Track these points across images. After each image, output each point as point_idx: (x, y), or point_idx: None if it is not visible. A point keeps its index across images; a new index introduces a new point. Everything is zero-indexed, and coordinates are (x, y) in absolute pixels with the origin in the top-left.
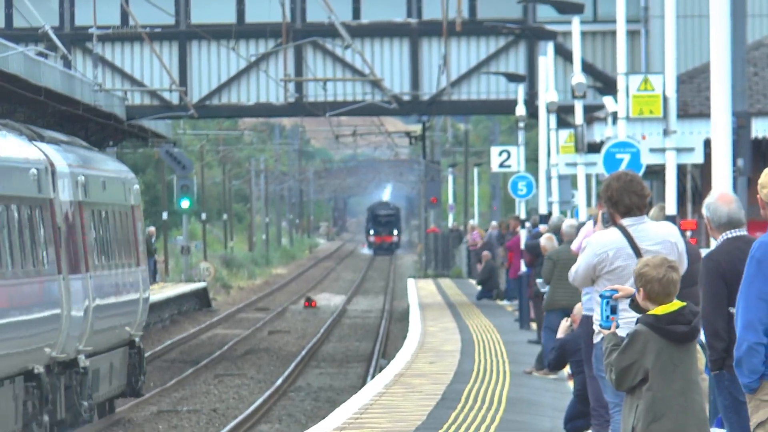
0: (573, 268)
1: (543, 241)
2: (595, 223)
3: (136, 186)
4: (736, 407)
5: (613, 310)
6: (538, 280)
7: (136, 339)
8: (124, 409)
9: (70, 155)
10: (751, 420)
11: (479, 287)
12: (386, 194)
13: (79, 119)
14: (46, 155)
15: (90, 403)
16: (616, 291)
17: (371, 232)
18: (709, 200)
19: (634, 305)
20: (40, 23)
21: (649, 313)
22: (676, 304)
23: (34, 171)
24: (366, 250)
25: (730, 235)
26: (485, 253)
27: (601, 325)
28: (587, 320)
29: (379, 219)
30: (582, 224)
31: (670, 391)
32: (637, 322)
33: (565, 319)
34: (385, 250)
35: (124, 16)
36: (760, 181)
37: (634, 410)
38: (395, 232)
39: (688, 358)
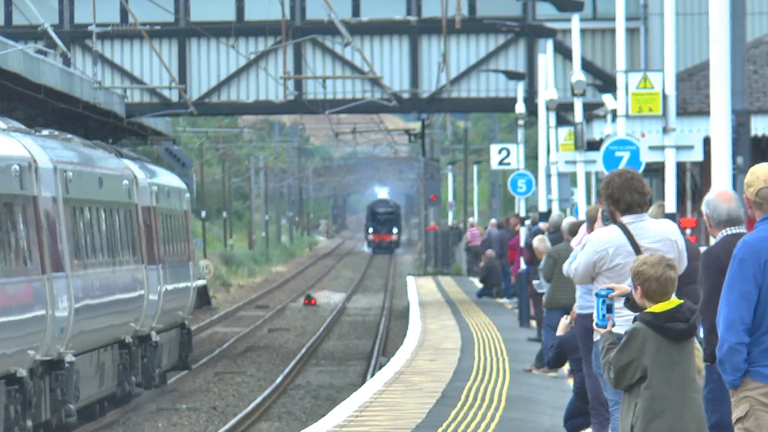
0: (567, 263)
1: (536, 243)
2: (589, 224)
3: (187, 195)
4: (721, 399)
5: (609, 309)
6: (535, 282)
7: (186, 321)
8: (123, 406)
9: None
10: (733, 414)
11: (481, 284)
12: (381, 194)
13: (79, 117)
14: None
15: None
16: (612, 290)
17: (370, 230)
18: (708, 197)
19: (630, 304)
20: (39, 21)
21: (647, 310)
22: (674, 302)
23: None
24: (365, 249)
25: (729, 232)
26: (488, 251)
27: (597, 324)
28: (583, 318)
29: (379, 217)
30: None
31: (668, 388)
32: (634, 320)
33: (565, 316)
34: (385, 249)
35: (124, 13)
36: (746, 180)
37: (633, 408)
38: (395, 230)
39: (686, 355)
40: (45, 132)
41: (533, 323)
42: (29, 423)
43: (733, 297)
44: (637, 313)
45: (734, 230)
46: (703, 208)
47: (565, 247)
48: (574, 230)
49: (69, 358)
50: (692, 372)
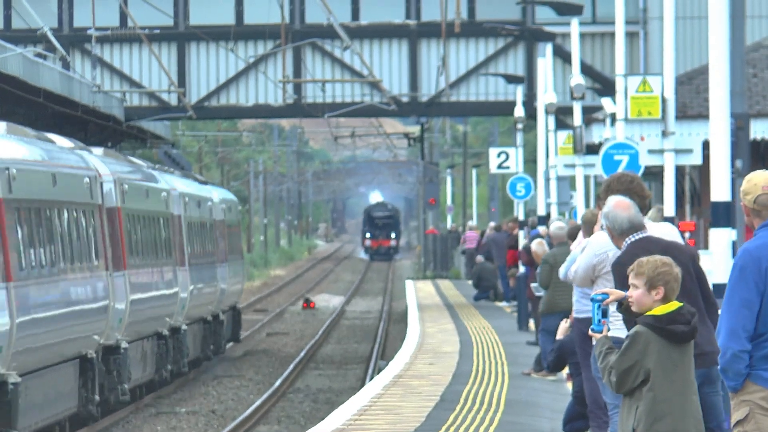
0: (563, 267)
1: (534, 246)
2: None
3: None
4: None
5: (605, 314)
6: (534, 285)
7: (237, 305)
8: (124, 409)
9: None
10: (732, 417)
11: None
12: (375, 197)
13: (78, 120)
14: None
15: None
16: (608, 295)
17: (367, 235)
18: (606, 210)
19: (623, 309)
20: (38, 24)
21: (649, 313)
22: (674, 304)
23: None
24: (362, 255)
25: (634, 238)
26: (478, 257)
27: (593, 329)
28: (580, 322)
29: (376, 221)
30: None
31: (670, 391)
32: (634, 324)
33: (565, 320)
34: (383, 256)
35: (123, 17)
36: (743, 188)
37: (634, 412)
38: (393, 235)
39: (686, 358)
40: (99, 150)
41: (532, 326)
42: (96, 398)
43: (735, 305)
44: (634, 318)
45: (638, 235)
46: (603, 221)
47: (561, 251)
48: (573, 234)
49: (124, 344)
50: (692, 374)
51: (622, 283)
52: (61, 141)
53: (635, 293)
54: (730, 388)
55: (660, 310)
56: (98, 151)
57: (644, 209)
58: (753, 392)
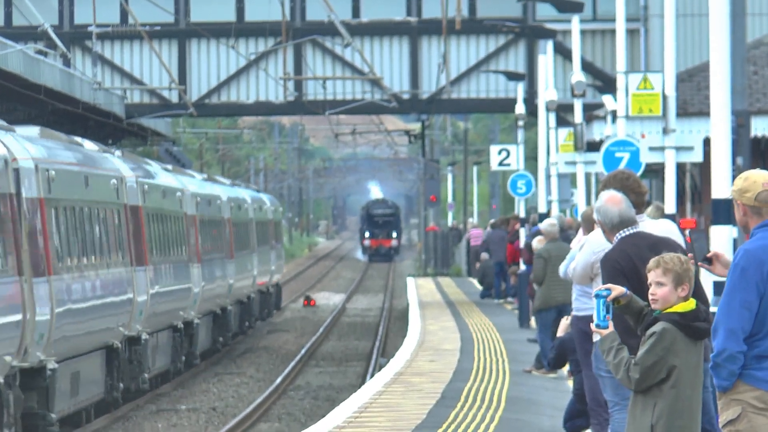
0: (563, 265)
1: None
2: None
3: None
4: None
5: (609, 310)
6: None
7: (278, 282)
8: (123, 408)
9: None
10: (721, 417)
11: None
12: (375, 192)
13: (79, 118)
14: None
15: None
16: (611, 291)
17: (366, 234)
18: (598, 204)
19: (623, 307)
20: (39, 21)
21: (671, 310)
22: (692, 302)
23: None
24: (360, 257)
25: (624, 234)
26: (483, 254)
27: (597, 325)
28: (579, 320)
29: (376, 219)
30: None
31: (690, 388)
32: (654, 321)
33: (565, 317)
34: (383, 256)
35: (124, 14)
36: (741, 186)
37: (651, 409)
38: (394, 234)
39: (701, 355)
40: (117, 152)
41: (533, 324)
42: (121, 386)
43: (735, 305)
44: (628, 314)
45: (628, 231)
46: (595, 215)
47: (555, 247)
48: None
49: (144, 336)
50: (703, 371)
51: (610, 278)
52: (88, 144)
53: (661, 290)
54: (721, 387)
55: (682, 307)
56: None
57: (641, 206)
58: (744, 392)
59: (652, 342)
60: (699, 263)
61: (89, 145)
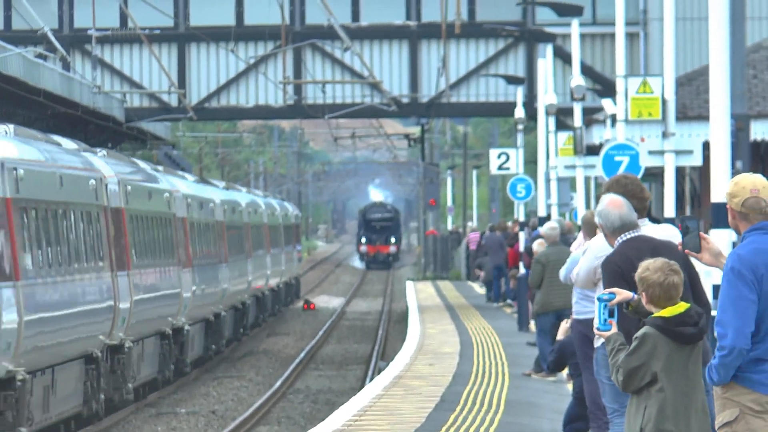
0: (564, 269)
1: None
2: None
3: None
4: None
5: (611, 314)
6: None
7: (298, 276)
8: (122, 410)
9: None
10: (718, 418)
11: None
12: (374, 195)
13: (78, 121)
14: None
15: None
16: (614, 295)
17: (363, 240)
18: (600, 208)
19: (633, 310)
20: (39, 25)
21: (656, 315)
22: (682, 306)
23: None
24: (357, 264)
25: (625, 237)
26: (479, 272)
27: (599, 329)
28: (580, 323)
29: (374, 224)
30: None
31: (678, 392)
32: (643, 325)
33: (565, 320)
34: (381, 264)
35: (123, 18)
36: (730, 191)
37: (642, 411)
38: (393, 240)
39: (694, 359)
40: (102, 152)
41: (532, 327)
42: (102, 397)
43: (740, 305)
44: (642, 318)
45: (630, 234)
46: (597, 219)
47: (554, 251)
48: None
49: (128, 344)
50: (699, 375)
51: (611, 281)
52: (67, 143)
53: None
54: (718, 382)
55: (668, 312)
56: (102, 152)
57: (643, 211)
58: (742, 394)
59: (634, 346)
60: (686, 251)
61: (69, 145)
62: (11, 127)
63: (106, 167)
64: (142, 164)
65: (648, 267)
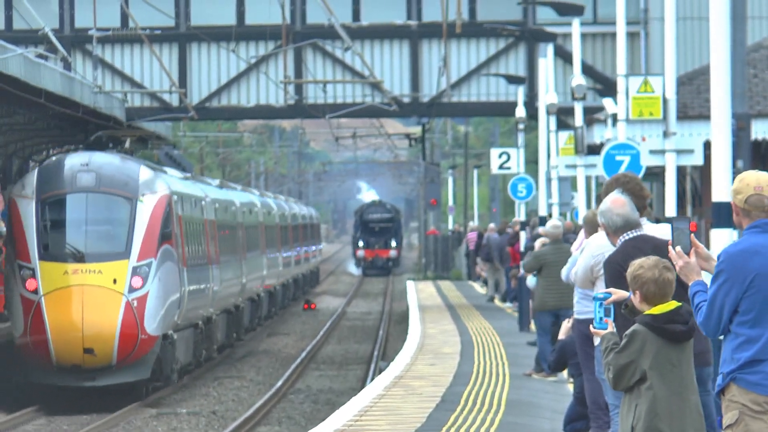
0: (565, 269)
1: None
2: (587, 229)
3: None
4: None
5: (607, 313)
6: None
7: (317, 267)
8: (123, 410)
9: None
10: (723, 418)
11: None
12: (369, 196)
13: (79, 121)
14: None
15: (214, 348)
16: (610, 294)
17: (360, 243)
18: (602, 208)
19: (629, 310)
20: (40, 25)
21: (646, 312)
22: (672, 304)
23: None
24: (353, 270)
25: (627, 236)
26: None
27: (595, 327)
28: (581, 323)
29: (372, 226)
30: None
31: (668, 390)
32: (634, 322)
33: (567, 320)
34: (379, 269)
35: (124, 18)
36: (734, 187)
37: (633, 409)
38: (393, 243)
39: (685, 357)
40: (208, 180)
41: (533, 327)
42: (203, 352)
43: (716, 302)
44: (637, 317)
45: (632, 233)
46: (599, 218)
47: (553, 250)
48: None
49: (214, 317)
50: (691, 374)
51: (612, 281)
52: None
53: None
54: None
55: (658, 309)
56: (209, 181)
57: (643, 209)
58: (740, 395)
59: (623, 344)
60: (676, 249)
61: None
62: (217, 181)
63: (242, 195)
64: (208, 180)
65: (642, 265)
